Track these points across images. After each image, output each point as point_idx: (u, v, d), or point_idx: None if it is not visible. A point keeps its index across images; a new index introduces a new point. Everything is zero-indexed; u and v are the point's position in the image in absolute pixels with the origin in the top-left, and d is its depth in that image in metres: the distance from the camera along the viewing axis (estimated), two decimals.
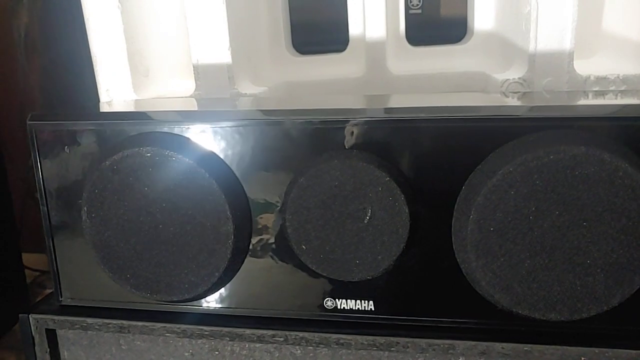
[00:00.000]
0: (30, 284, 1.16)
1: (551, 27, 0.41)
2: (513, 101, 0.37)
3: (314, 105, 0.37)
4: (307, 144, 0.30)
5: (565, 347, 0.30)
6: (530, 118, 0.28)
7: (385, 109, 0.30)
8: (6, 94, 1.13)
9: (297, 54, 0.59)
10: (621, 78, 0.41)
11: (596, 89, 0.42)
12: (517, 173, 0.27)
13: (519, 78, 0.43)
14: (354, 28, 0.54)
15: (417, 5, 0.61)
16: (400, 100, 0.39)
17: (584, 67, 0.44)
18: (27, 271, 1.10)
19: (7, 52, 1.18)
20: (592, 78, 0.42)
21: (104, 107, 0.41)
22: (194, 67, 0.44)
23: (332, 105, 0.34)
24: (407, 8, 0.60)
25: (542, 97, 0.37)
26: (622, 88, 0.41)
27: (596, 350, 0.29)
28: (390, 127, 0.29)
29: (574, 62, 0.43)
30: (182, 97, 0.45)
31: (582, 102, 0.35)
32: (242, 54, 0.47)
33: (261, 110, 0.31)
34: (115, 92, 0.46)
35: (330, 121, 0.29)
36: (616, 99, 0.36)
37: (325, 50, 0.59)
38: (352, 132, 0.29)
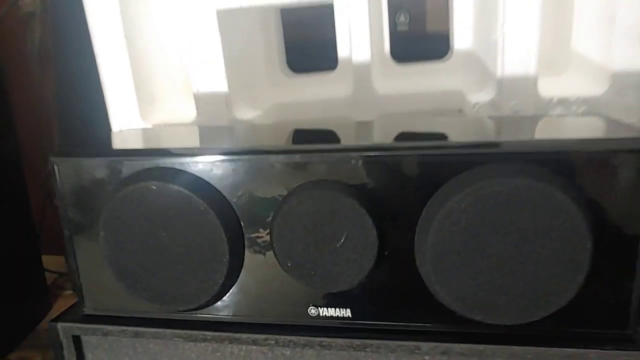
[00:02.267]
0: (50, 285, 1.21)
1: (516, 54, 0.45)
2: (477, 127, 0.41)
3: (297, 137, 0.42)
4: (289, 176, 0.35)
5: (513, 347, 0.34)
6: (479, 154, 0.32)
7: (355, 146, 0.35)
8: (23, 103, 1.18)
9: (291, 73, 0.63)
10: (582, 99, 0.46)
11: (559, 109, 0.46)
12: (466, 201, 0.31)
13: (489, 101, 0.47)
14: (342, 49, 0.58)
15: (404, 22, 0.65)
16: (377, 129, 0.44)
17: (553, 85, 0.48)
18: (46, 273, 1.15)
19: (23, 63, 1.23)
20: (555, 100, 0.46)
21: (115, 138, 0.47)
22: (194, 96, 0.49)
23: (313, 138, 0.38)
24: (395, 25, 0.65)
25: (500, 125, 0.42)
26: (582, 109, 0.46)
27: (540, 349, 0.34)
28: (360, 161, 0.34)
29: (545, 79, 0.47)
30: (184, 125, 0.50)
31: (530, 134, 0.39)
32: (238, 81, 0.52)
33: (250, 147, 0.36)
34: (124, 119, 0.51)
35: (308, 156, 0.34)
36: (569, 125, 0.40)
37: (318, 69, 0.63)
38: (327, 166, 0.34)
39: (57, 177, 0.38)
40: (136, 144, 0.44)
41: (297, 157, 0.34)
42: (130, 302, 0.39)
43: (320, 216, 0.34)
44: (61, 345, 0.41)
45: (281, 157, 0.35)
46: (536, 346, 0.34)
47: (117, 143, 0.44)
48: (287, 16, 0.62)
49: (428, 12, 0.64)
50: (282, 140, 0.41)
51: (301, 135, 0.43)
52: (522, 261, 0.32)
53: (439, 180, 0.33)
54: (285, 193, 0.35)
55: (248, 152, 0.35)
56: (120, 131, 0.50)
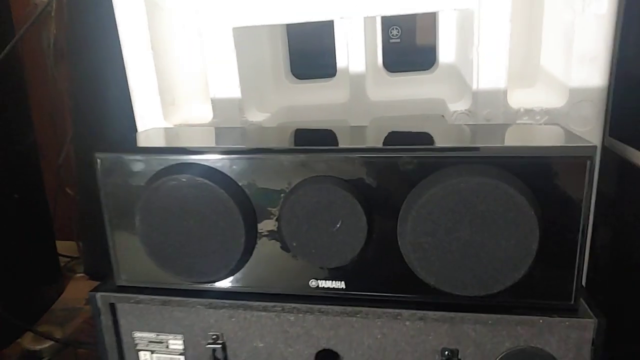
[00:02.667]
0: (62, 268, 1.28)
1: (489, 71, 0.52)
2: (455, 132, 0.49)
3: (301, 139, 0.49)
4: (295, 171, 0.42)
5: (477, 314, 0.42)
6: (450, 157, 0.40)
7: (350, 148, 0.42)
8: (38, 98, 1.23)
9: (295, 79, 0.70)
10: (544, 110, 0.53)
11: (525, 118, 0.54)
12: (438, 195, 0.39)
13: (466, 110, 0.54)
14: (340, 59, 0.65)
15: (397, 35, 0.73)
16: (368, 133, 0.51)
17: (521, 97, 0.55)
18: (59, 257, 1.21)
19: (38, 59, 1.29)
20: (522, 110, 0.54)
21: (141, 137, 0.54)
22: (211, 100, 0.57)
23: (313, 142, 0.46)
24: (387, 38, 0.72)
25: (472, 131, 0.49)
26: (545, 118, 0.53)
27: (498, 316, 0.42)
28: (353, 161, 0.41)
29: (514, 91, 0.55)
30: (202, 125, 0.57)
31: (494, 140, 0.46)
32: (249, 87, 0.59)
33: (264, 147, 0.43)
34: (149, 118, 0.59)
35: (311, 156, 0.42)
36: (530, 133, 0.48)
37: (319, 75, 0.70)
38: (327, 164, 0.42)
39: (99, 170, 0.45)
40: (164, 142, 0.51)
41: (302, 157, 0.42)
42: (158, 275, 0.46)
43: (320, 205, 0.41)
44: (99, 311, 0.48)
45: (289, 156, 0.42)
46: (496, 314, 0.42)
47: (148, 141, 0.51)
48: (292, 29, 0.69)
49: (418, 28, 0.71)
50: (288, 141, 0.49)
51: (304, 137, 0.51)
52: (483, 244, 0.39)
53: (417, 177, 0.40)
54: (291, 186, 0.42)
55: (262, 151, 0.43)
56: (146, 130, 0.58)
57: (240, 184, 0.43)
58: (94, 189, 1.26)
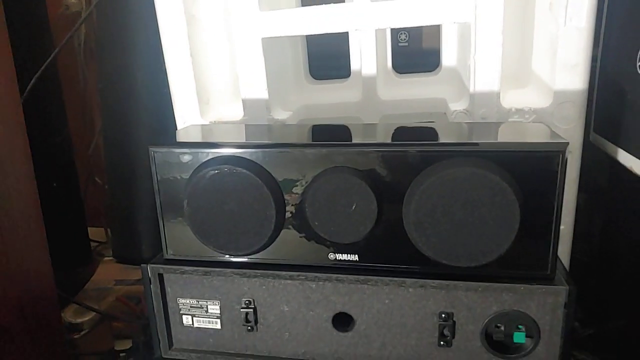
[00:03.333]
0: (92, 252, 1.37)
1: (484, 76, 0.60)
2: (453, 129, 0.57)
3: (321, 135, 0.58)
4: (318, 163, 0.50)
5: (469, 282, 0.50)
6: (447, 150, 0.48)
7: (363, 143, 0.50)
8: (70, 94, 1.31)
9: (313, 80, 0.79)
10: (533, 110, 0.61)
11: (516, 117, 0.61)
12: (436, 182, 0.47)
13: (464, 109, 0.62)
14: (354, 62, 0.73)
15: (405, 39, 0.81)
16: (378, 130, 0.59)
17: (512, 99, 0.63)
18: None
19: (70, 58, 1.38)
20: (513, 109, 0.61)
21: (182, 133, 0.62)
22: (242, 101, 0.65)
23: (332, 138, 0.54)
24: (396, 42, 0.80)
25: (470, 128, 0.57)
26: (533, 117, 0.61)
27: (486, 284, 0.50)
28: (366, 154, 0.49)
29: (507, 93, 0.63)
30: (234, 123, 0.66)
31: (486, 137, 0.54)
32: (274, 89, 0.67)
33: (292, 142, 0.52)
34: (187, 116, 0.67)
35: (331, 149, 0.50)
36: (518, 130, 0.56)
37: (335, 76, 0.78)
38: (344, 156, 0.50)
39: (153, 161, 0.54)
40: (203, 137, 0.59)
41: (323, 150, 0.50)
42: (200, 249, 0.55)
43: (338, 191, 0.50)
44: (150, 281, 0.57)
45: (313, 150, 0.50)
46: (484, 282, 0.50)
47: (190, 136, 0.60)
48: (311, 36, 0.77)
49: (424, 33, 0.79)
50: (311, 137, 0.57)
51: (324, 133, 0.59)
52: (473, 223, 0.47)
53: (419, 168, 0.48)
54: (314, 174, 0.51)
55: (290, 146, 0.51)
56: (186, 127, 0.66)
57: (271, 173, 0.51)
58: (121, 178, 1.35)
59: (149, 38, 1.12)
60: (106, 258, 1.37)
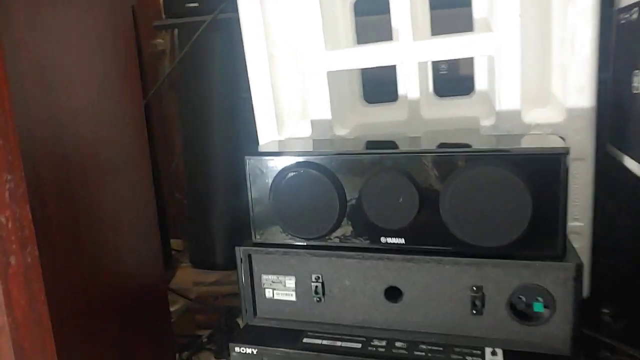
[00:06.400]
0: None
1: (507, 97, 0.73)
2: (482, 139, 0.70)
3: (374, 145, 0.73)
4: (372, 166, 0.65)
5: (494, 260, 0.62)
6: (474, 154, 0.61)
7: (408, 150, 0.65)
8: (154, 118, 1.51)
9: (366, 103, 0.94)
10: (549, 124, 0.73)
11: (536, 130, 0.74)
12: (466, 180, 0.60)
13: (491, 125, 0.76)
14: (401, 88, 0.88)
15: (445, 68, 0.95)
16: (421, 140, 0.74)
17: (533, 115, 0.76)
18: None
19: (156, 88, 1.58)
20: (533, 124, 0.74)
21: (264, 146, 0.79)
22: (310, 121, 0.81)
23: (382, 147, 0.69)
24: (437, 70, 0.94)
25: (495, 138, 0.70)
26: (550, 131, 0.73)
27: (508, 261, 0.62)
28: (408, 157, 0.63)
29: (529, 111, 0.76)
30: (304, 138, 0.82)
31: (509, 145, 0.67)
32: (335, 110, 0.83)
33: (350, 151, 0.67)
34: (268, 133, 0.84)
35: (382, 155, 0.65)
36: (535, 140, 0.69)
37: (385, 100, 0.93)
38: (393, 160, 0.64)
39: (248, 167, 0.70)
40: (283, 148, 0.76)
41: (376, 156, 0.65)
42: (280, 236, 0.70)
43: (388, 187, 0.64)
44: (241, 260, 0.73)
45: (368, 156, 0.65)
46: (507, 259, 0.58)
47: (272, 149, 0.76)
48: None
49: (461, 62, 0.93)
50: (367, 146, 0.72)
51: (376, 144, 0.74)
52: (495, 211, 0.60)
53: (452, 168, 0.62)
54: (369, 175, 0.65)
55: (350, 154, 0.66)
56: (267, 142, 0.83)
57: (335, 174, 0.67)
58: (197, 194, 1.53)
59: (223, 71, 1.32)
60: (182, 264, 1.55)
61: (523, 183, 0.58)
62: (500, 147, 0.63)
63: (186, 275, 1.45)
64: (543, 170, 0.59)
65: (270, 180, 0.68)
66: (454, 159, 0.61)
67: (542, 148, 0.61)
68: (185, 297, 1.12)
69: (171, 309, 1.15)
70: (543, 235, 0.58)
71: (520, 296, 0.60)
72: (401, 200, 0.63)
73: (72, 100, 0.72)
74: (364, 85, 0.94)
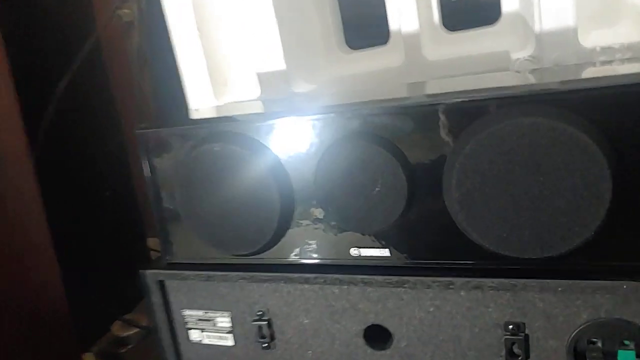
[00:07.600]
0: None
1: (553, 9, 0.46)
2: (509, 76, 0.43)
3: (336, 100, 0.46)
4: (327, 131, 0.39)
5: (544, 281, 0.36)
6: (499, 97, 0.35)
7: (382, 100, 0.38)
8: (126, 101, 1.31)
9: (348, 49, 0.67)
10: (626, 46, 0.45)
11: (603, 58, 0.46)
12: (483, 142, 0.34)
13: (529, 56, 0.48)
14: (393, 23, 0.61)
15: None
16: (414, 88, 0.47)
17: (600, 37, 0.48)
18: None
19: (124, 67, 1.37)
20: (597, 49, 0.46)
21: (193, 114, 0.54)
22: (257, 75, 0.55)
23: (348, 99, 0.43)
24: None
25: (540, 74, 0.43)
26: (628, 55, 0.45)
27: (570, 282, 0.35)
28: (386, 114, 0.37)
29: (594, 29, 0.47)
30: (251, 101, 0.56)
31: (557, 79, 0.40)
32: (295, 59, 0.57)
33: (283, 113, 0.41)
34: (201, 99, 0.59)
35: (343, 112, 0.38)
36: (599, 71, 0.41)
37: (372, 44, 0.66)
38: (361, 119, 0.38)
39: (143, 147, 0.45)
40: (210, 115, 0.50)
41: (333, 115, 0.39)
42: (201, 251, 0.45)
43: (357, 165, 0.38)
44: (149, 289, 0.48)
45: (320, 116, 0.39)
46: (567, 279, 0.36)
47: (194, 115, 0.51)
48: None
49: None
50: (323, 104, 0.46)
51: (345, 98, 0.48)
52: (542, 195, 0.34)
53: (460, 126, 0.35)
54: (324, 147, 0.39)
55: (290, 114, 0.40)
56: (197, 109, 0.58)
57: (274, 151, 0.41)
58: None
59: None
60: None
61: (593, 142, 0.31)
62: (550, 85, 0.35)
63: None
64: (631, 120, 0.32)
65: (174, 165, 0.43)
66: (461, 108, 0.35)
67: (628, 77, 0.33)
68: (137, 326, 0.90)
69: (129, 332, 0.93)
70: (633, 233, 0.35)
71: (594, 339, 0.37)
72: (378, 187, 0.37)
73: None
74: (344, 24, 0.67)
